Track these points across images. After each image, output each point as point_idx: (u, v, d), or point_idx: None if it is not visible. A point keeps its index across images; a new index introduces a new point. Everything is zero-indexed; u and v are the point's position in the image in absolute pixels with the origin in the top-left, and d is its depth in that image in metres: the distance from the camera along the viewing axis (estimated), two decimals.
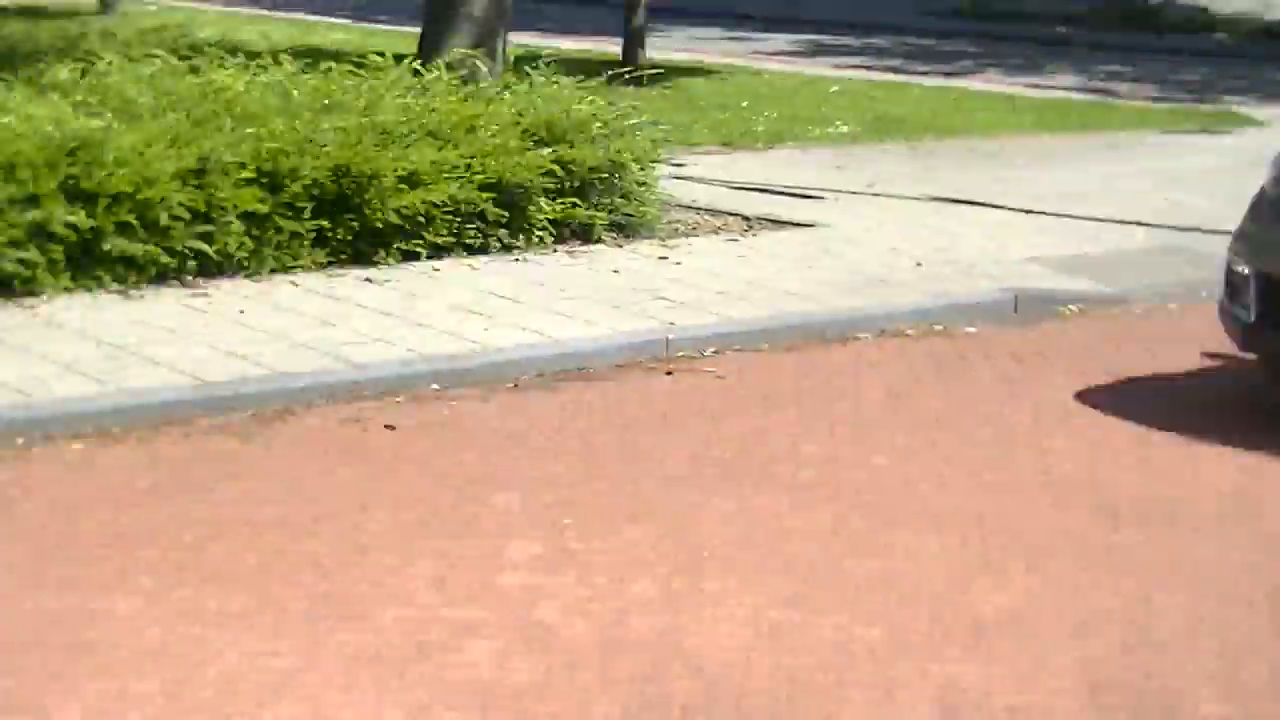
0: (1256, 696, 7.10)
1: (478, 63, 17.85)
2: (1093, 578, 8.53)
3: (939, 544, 8.90)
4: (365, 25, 33.56)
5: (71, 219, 11.97)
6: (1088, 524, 9.30)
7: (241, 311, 11.88)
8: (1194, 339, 13.13)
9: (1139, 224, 16.63)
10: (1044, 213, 16.76)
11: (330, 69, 14.74)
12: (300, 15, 35.74)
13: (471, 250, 13.69)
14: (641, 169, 15.00)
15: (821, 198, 16.96)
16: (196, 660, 7.18)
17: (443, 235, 13.56)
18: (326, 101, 13.98)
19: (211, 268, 12.56)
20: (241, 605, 7.77)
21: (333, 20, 34.75)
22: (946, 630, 7.84)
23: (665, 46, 29.50)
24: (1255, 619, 7.95)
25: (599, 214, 14.49)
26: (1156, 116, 25.51)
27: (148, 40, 18.18)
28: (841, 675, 7.36)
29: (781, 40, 36.02)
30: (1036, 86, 29.45)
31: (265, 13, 35.50)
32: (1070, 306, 13.78)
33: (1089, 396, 11.58)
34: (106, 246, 12.15)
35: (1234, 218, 15.96)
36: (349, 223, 13.17)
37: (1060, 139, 22.61)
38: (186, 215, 12.39)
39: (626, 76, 18.28)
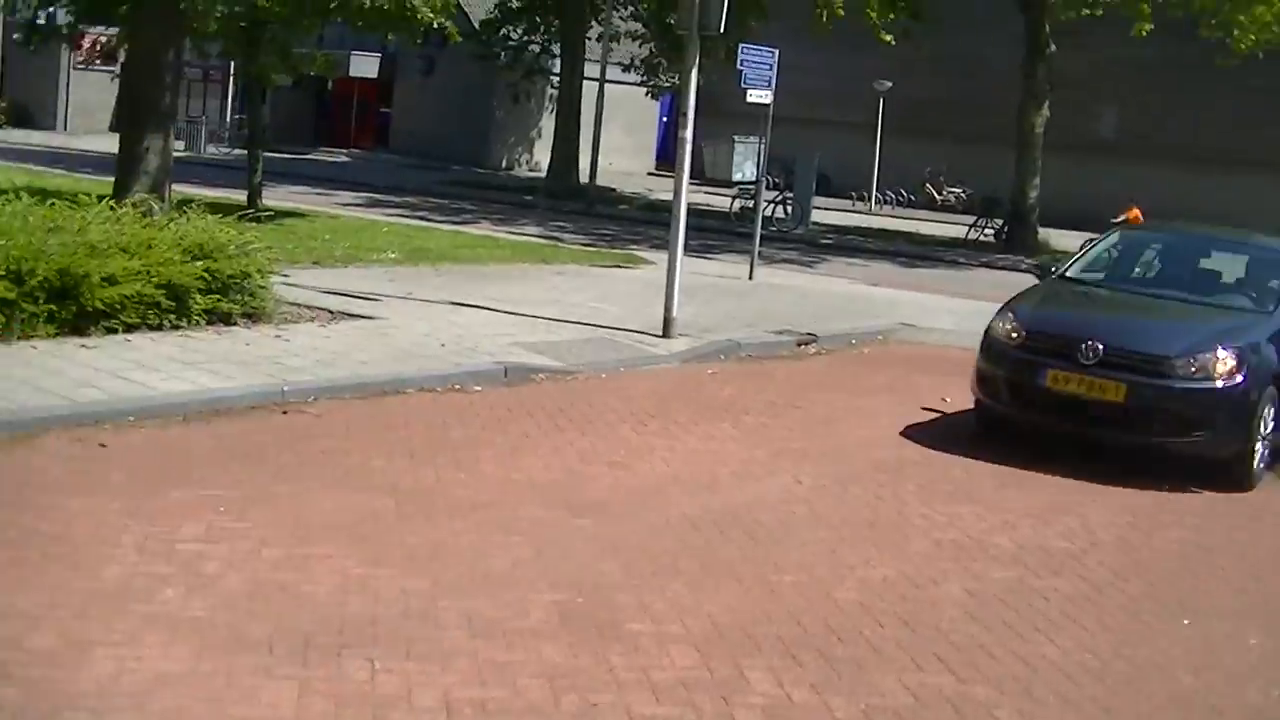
0: None
1: (152, 203, 17.49)
2: (566, 547, 8.75)
3: (463, 524, 9.04)
4: (76, 175, 32.62)
5: None
6: (559, 512, 9.52)
7: None
8: (612, 392, 13.48)
9: (578, 323, 16.85)
10: (520, 314, 16.92)
11: (54, 203, 14.26)
12: (30, 166, 34.52)
13: (152, 329, 13.30)
14: (263, 277, 14.77)
15: (379, 300, 16.86)
16: None
17: (132, 318, 13.17)
18: (52, 225, 13.50)
19: None
20: (6, 559, 7.58)
21: (53, 171, 33.66)
22: (471, 579, 7.98)
23: (274, 197, 29.10)
24: None
25: (236, 306, 14.24)
26: (588, 255, 25.89)
27: None
28: (406, 609, 7.45)
29: (350, 196, 35.70)
30: (513, 232, 29.68)
31: (6, 164, 34.07)
32: (540, 374, 13.95)
33: (549, 429, 11.81)
34: None
35: (634, 320, 16.42)
36: (70, 308, 12.73)
37: (528, 267, 22.81)
38: None
39: (249, 216, 17.99)
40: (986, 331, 13.42)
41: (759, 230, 24.82)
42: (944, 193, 49.82)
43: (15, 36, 49.56)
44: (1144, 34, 34.93)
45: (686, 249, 17.16)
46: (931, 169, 50.01)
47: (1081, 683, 7.46)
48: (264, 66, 27.11)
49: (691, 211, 17.69)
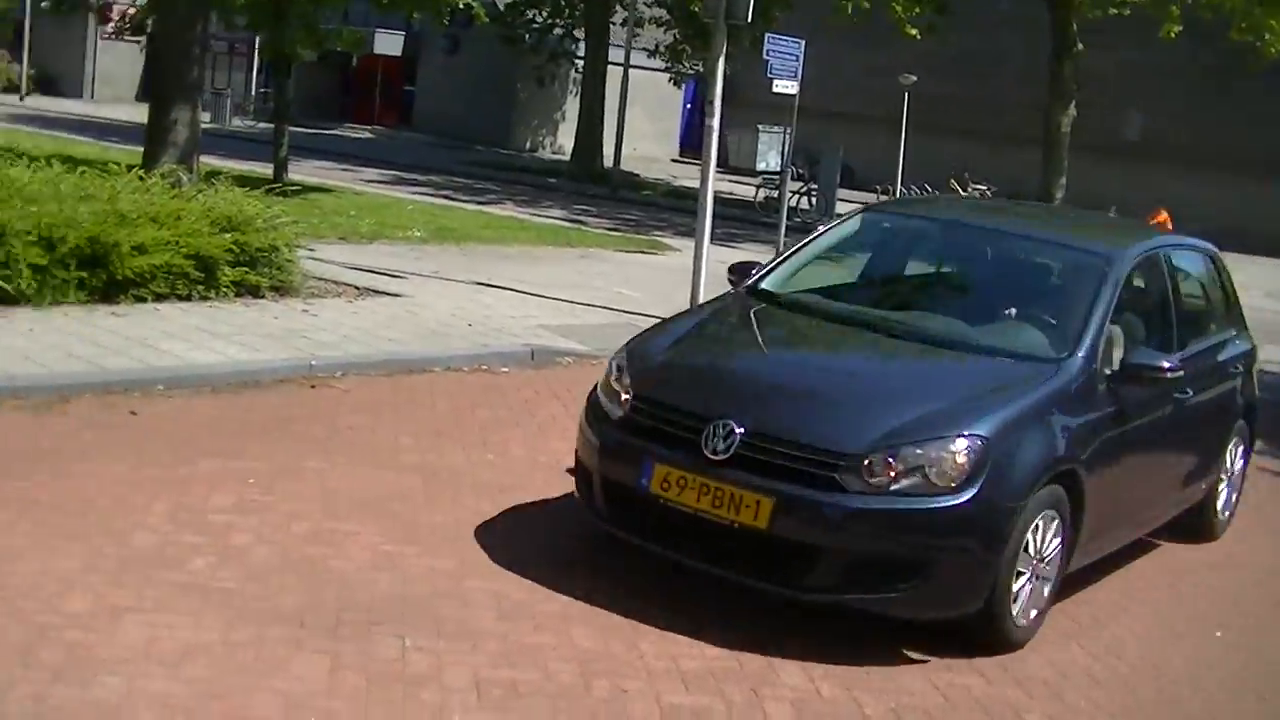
0: None
1: (181, 174, 17.55)
2: (594, 532, 8.73)
3: (490, 505, 9.02)
4: (104, 143, 32.53)
5: None
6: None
7: (31, 329, 11.48)
8: None
9: (603, 307, 16.85)
10: (546, 297, 16.92)
11: (84, 171, 14.31)
12: (59, 133, 34.48)
13: (180, 298, 13.30)
14: (290, 251, 14.77)
15: (405, 278, 16.89)
16: (7, 559, 7.04)
17: (162, 288, 13.17)
18: (83, 193, 13.55)
19: (7, 299, 12.11)
20: (36, 526, 7.59)
21: (81, 139, 33.58)
22: (498, 561, 7.98)
23: (300, 172, 29.09)
24: None
25: (263, 279, 14.24)
26: (613, 240, 25.84)
27: None
28: (435, 588, 7.45)
29: (374, 173, 35.68)
30: (537, 215, 29.66)
31: (34, 130, 34.17)
32: (565, 358, 13.94)
33: (576, 414, 11.76)
34: None
35: (659, 307, 16.36)
36: (100, 275, 12.77)
37: (553, 250, 22.79)
38: None
39: (276, 190, 18.05)
40: (595, 387, 8.63)
41: (784, 220, 24.81)
42: (969, 189, 49.65)
43: (43, 3, 50.03)
44: (1173, 35, 34.76)
45: (711, 237, 17.11)
46: (957, 165, 49.90)
47: (1112, 690, 7.47)
48: (290, 41, 27.09)
49: (716, 200, 17.57)
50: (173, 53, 21.24)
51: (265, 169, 27.05)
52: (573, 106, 49.24)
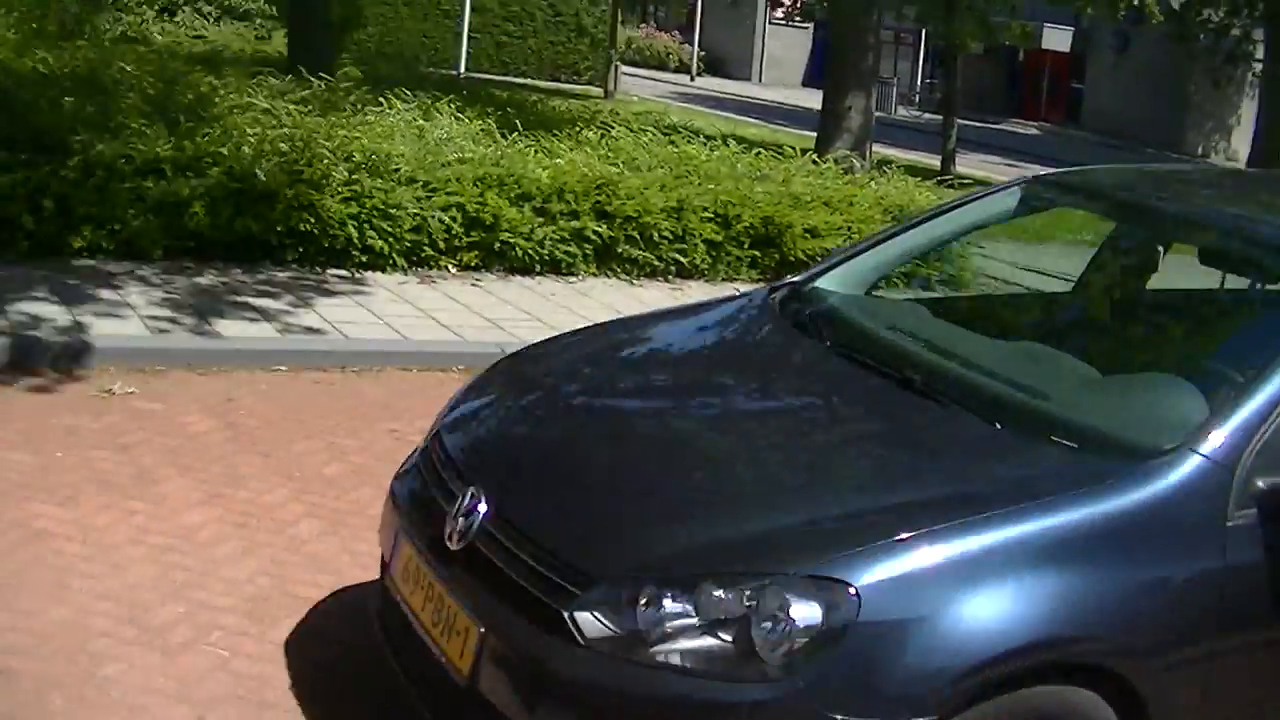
0: None
1: (854, 160, 17.62)
2: None
3: None
4: (771, 126, 33.27)
5: (598, 229, 11.98)
6: None
7: None
8: None
9: None
10: None
11: (759, 153, 14.58)
12: (727, 114, 35.52)
13: None
14: (961, 246, 14.61)
15: None
16: None
17: None
18: (758, 173, 13.81)
19: (684, 273, 12.49)
20: None
21: (749, 120, 34.46)
22: None
23: (966, 165, 28.82)
24: None
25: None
26: None
27: (639, 120, 18.18)
28: None
29: (1040, 171, 35.11)
30: None
31: (705, 110, 35.37)
32: None
33: None
34: (619, 250, 12.14)
35: None
36: (772, 254, 12.94)
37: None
38: (670, 236, 12.36)
39: (946, 182, 17.89)
40: None
41: None
42: None
43: None
44: None
45: None
46: None
47: None
48: (960, 32, 26.93)
49: None
50: (848, 40, 21.47)
51: (930, 160, 26.92)
52: (1248, 110, 47.09)
